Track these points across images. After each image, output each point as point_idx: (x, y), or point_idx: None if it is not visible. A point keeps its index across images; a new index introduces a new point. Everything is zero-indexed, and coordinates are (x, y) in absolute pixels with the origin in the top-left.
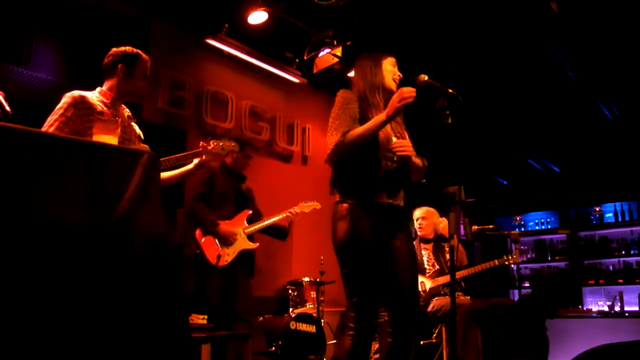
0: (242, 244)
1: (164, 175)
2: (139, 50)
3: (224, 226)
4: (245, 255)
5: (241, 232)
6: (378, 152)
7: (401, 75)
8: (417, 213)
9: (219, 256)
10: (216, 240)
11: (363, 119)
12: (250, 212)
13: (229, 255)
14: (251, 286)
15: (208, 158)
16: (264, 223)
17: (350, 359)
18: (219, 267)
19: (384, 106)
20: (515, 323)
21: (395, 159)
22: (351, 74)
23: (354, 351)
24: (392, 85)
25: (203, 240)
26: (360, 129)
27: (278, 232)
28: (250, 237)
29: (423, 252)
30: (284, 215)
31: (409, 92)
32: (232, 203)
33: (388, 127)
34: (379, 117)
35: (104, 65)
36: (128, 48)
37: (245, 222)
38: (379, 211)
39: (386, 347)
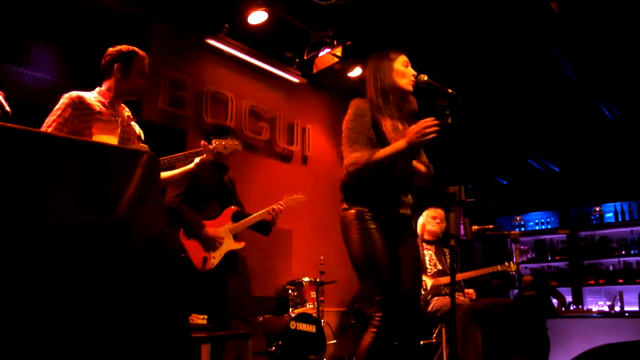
0: (228, 244)
1: (164, 174)
2: (135, 48)
3: (210, 229)
4: (230, 255)
5: (227, 232)
6: (395, 166)
7: (415, 73)
8: (432, 212)
9: (204, 259)
10: (201, 243)
11: (376, 127)
12: (235, 208)
13: (214, 258)
14: (245, 283)
15: (209, 157)
16: (248, 219)
17: (370, 357)
18: (205, 271)
19: (397, 110)
20: (514, 323)
21: (407, 169)
22: (351, 73)
23: (374, 349)
24: (407, 85)
25: (187, 243)
26: (381, 155)
27: (262, 227)
28: (235, 237)
29: (425, 252)
30: (266, 210)
31: (430, 126)
32: (217, 200)
33: (400, 136)
34: (399, 146)
35: (102, 66)
36: (124, 47)
37: (231, 219)
38: (387, 218)
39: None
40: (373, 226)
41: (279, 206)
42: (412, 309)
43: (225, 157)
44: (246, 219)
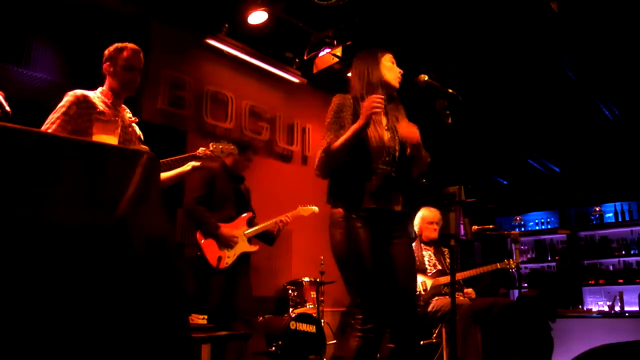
0: (243, 246)
1: (161, 176)
2: (123, 44)
3: (225, 229)
4: (243, 257)
5: (242, 234)
6: (369, 157)
7: (401, 71)
8: (429, 216)
9: (219, 258)
10: (217, 242)
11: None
12: (251, 214)
13: (229, 257)
14: (251, 286)
15: (205, 164)
16: (263, 225)
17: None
18: (219, 269)
19: (386, 104)
20: (514, 323)
21: (393, 152)
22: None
23: (360, 353)
24: (393, 80)
25: (203, 242)
26: (339, 141)
27: (267, 237)
28: (249, 240)
29: (424, 252)
30: (274, 221)
31: (376, 101)
32: (233, 204)
33: (380, 130)
34: (354, 125)
35: (102, 69)
36: (112, 46)
37: (246, 224)
38: (374, 216)
39: (387, 352)
40: (359, 224)
41: (286, 218)
42: (406, 310)
43: (243, 168)
44: (261, 225)
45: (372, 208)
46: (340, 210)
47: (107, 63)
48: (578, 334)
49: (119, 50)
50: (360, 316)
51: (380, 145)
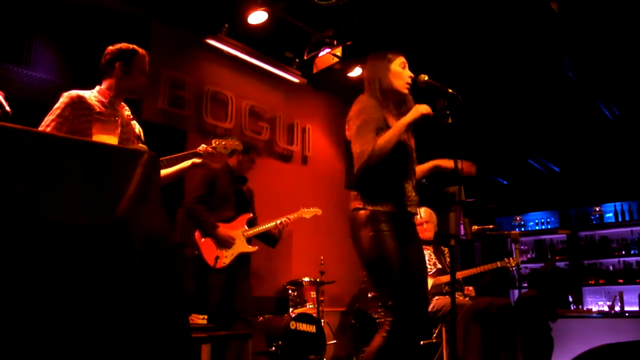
0: (241, 247)
1: (161, 172)
2: (134, 46)
3: (223, 229)
4: (242, 258)
5: (240, 235)
6: (407, 161)
7: (412, 75)
8: (417, 217)
9: (216, 258)
10: (214, 242)
11: (385, 124)
12: (251, 215)
13: (226, 257)
14: (250, 286)
15: (207, 161)
16: (264, 227)
17: (378, 358)
18: (217, 269)
19: (396, 112)
20: (511, 322)
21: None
22: (351, 73)
23: (383, 351)
24: (402, 88)
25: (202, 241)
26: (386, 135)
27: (269, 239)
28: (249, 241)
29: (424, 252)
30: (275, 223)
31: (430, 111)
32: (233, 205)
33: (404, 136)
34: (401, 122)
35: (102, 65)
36: (123, 45)
37: (246, 225)
38: (400, 218)
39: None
40: (386, 229)
41: (287, 220)
42: (422, 314)
43: (246, 169)
44: (261, 227)
45: (401, 211)
46: (366, 212)
47: (119, 62)
48: (578, 334)
49: (133, 53)
50: (391, 318)
51: (410, 147)
